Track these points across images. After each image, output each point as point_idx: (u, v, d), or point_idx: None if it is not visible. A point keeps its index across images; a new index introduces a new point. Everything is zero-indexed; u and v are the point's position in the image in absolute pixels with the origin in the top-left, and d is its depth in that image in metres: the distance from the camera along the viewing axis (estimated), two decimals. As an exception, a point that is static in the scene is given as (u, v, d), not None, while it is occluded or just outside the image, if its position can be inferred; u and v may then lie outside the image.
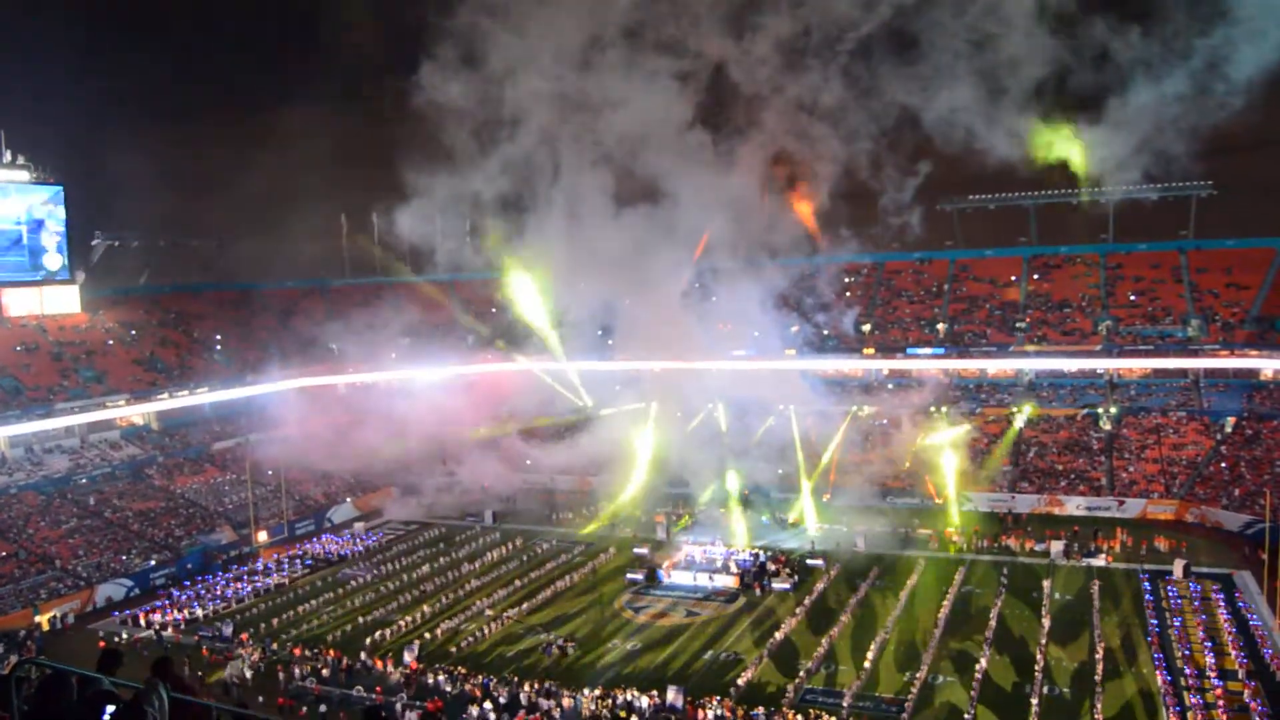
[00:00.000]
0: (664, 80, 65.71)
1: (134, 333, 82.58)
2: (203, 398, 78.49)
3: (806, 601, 48.40)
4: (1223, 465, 64.80)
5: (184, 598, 53.21)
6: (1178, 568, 49.68)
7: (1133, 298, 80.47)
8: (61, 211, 78.15)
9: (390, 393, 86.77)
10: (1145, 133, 60.51)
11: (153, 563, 58.37)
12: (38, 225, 77.08)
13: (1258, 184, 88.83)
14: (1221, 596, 46.32)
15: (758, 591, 50.92)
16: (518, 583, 53.50)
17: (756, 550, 56.18)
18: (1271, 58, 52.59)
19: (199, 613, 50.98)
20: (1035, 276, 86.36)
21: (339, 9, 76.29)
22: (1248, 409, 69.60)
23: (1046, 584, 48.58)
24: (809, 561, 55.15)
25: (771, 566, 53.30)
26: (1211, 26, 54.70)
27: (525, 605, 49.80)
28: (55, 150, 79.19)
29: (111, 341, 79.88)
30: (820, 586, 50.81)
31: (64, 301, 79.54)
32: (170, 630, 48.58)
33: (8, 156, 74.92)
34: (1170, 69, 56.56)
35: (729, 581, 52.21)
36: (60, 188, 78.11)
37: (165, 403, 76.07)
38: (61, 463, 68.04)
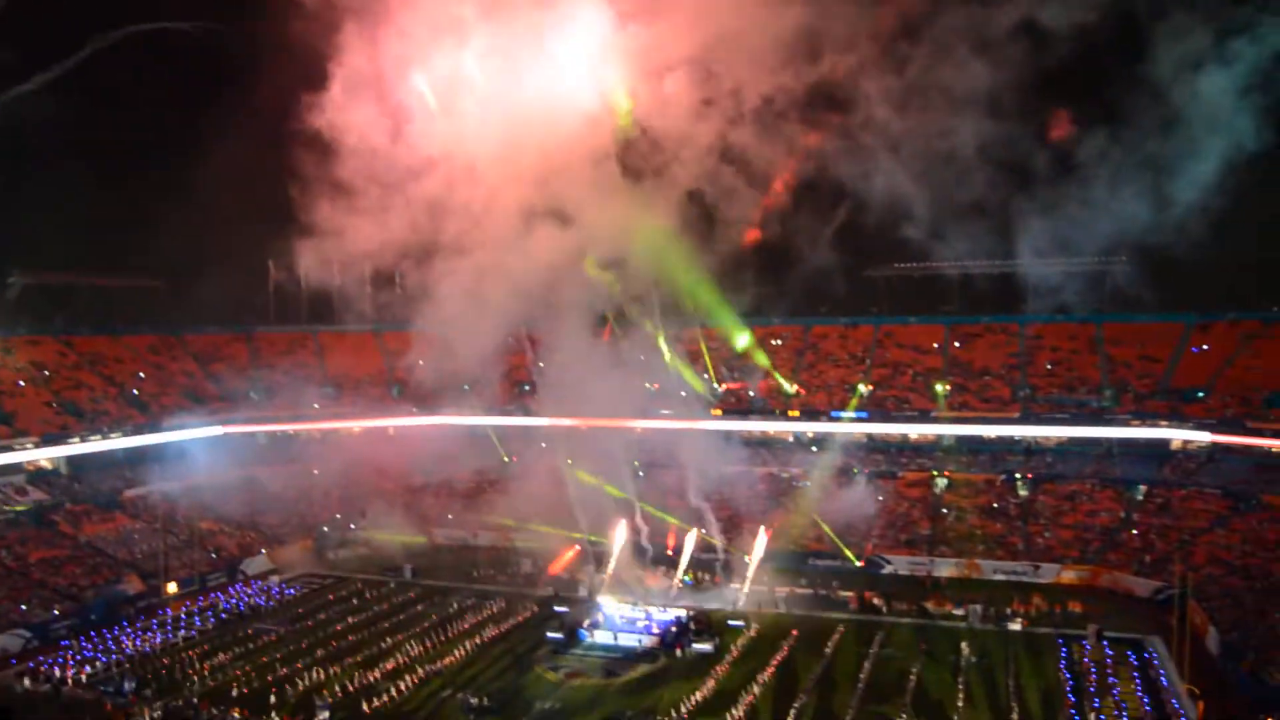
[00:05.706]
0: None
1: (46, 374, 79.94)
2: (116, 443, 75.83)
3: (727, 663, 48.25)
4: (1134, 532, 66.41)
5: (86, 650, 51.02)
6: (1091, 633, 50.53)
7: (1050, 367, 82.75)
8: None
9: (311, 444, 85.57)
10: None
11: (55, 613, 56.03)
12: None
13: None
14: (1134, 661, 47.31)
15: (679, 653, 50.41)
16: (435, 640, 52.45)
17: (677, 611, 55.52)
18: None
19: (101, 666, 48.94)
20: (956, 344, 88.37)
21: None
22: (1158, 478, 71.66)
23: (964, 648, 49.11)
24: (730, 623, 54.99)
25: (693, 627, 52.95)
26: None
27: (442, 663, 48.83)
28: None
29: (22, 383, 77.22)
30: (741, 648, 50.73)
31: (-27, 340, 76.77)
32: (70, 684, 46.52)
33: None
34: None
35: (650, 642, 51.76)
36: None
37: (76, 447, 73.54)
38: (-39, 507, 65.22)
